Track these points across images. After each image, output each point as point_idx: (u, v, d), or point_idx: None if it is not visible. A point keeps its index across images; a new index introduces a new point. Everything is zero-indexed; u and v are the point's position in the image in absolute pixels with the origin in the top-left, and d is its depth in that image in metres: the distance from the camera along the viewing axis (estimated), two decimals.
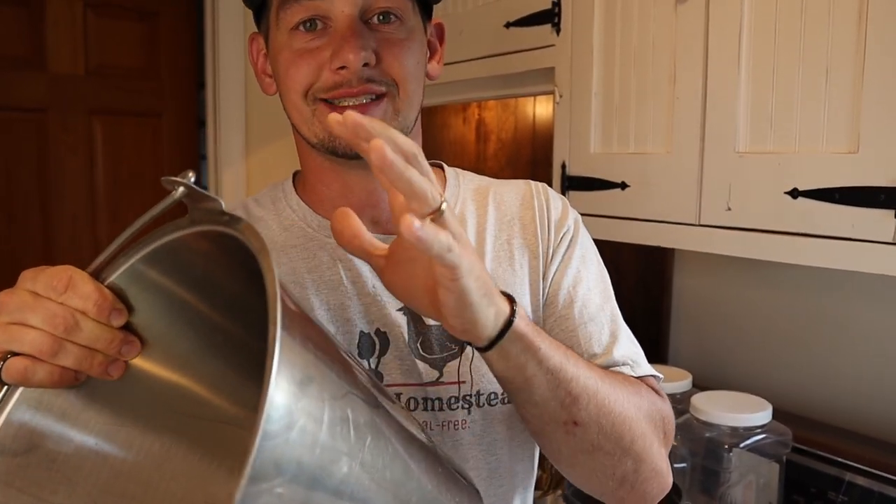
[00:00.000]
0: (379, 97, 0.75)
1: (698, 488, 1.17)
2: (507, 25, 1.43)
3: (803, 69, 0.94)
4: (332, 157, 0.77)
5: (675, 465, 1.19)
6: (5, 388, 0.53)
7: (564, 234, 0.86)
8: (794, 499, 1.18)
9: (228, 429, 0.59)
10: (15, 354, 0.52)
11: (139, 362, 0.56)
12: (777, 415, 1.16)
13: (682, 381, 1.31)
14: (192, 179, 0.49)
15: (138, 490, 0.57)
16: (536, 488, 1.41)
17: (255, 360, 0.48)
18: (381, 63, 0.74)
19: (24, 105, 2.16)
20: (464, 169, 0.92)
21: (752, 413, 1.13)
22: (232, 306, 0.56)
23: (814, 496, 1.16)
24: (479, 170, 2.31)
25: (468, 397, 0.77)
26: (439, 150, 2.24)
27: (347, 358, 0.53)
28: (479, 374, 0.78)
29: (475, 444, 0.78)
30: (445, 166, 0.91)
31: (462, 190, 0.88)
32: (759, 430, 1.13)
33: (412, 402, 0.76)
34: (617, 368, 0.76)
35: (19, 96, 2.14)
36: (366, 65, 0.72)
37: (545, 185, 0.90)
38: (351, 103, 0.74)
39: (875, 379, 1.25)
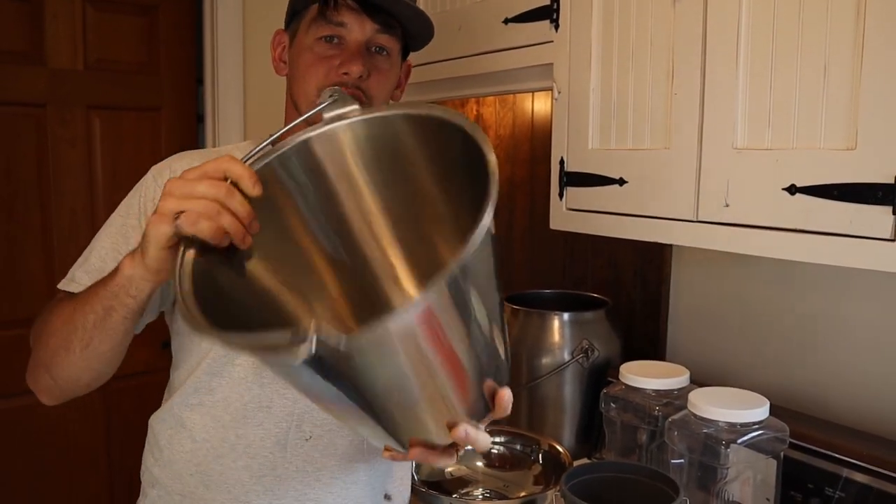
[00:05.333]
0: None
1: (695, 484, 1.17)
2: (506, 21, 1.43)
3: (801, 65, 0.94)
4: None
5: (673, 461, 1.19)
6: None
7: None
8: (791, 495, 1.18)
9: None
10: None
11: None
12: (774, 411, 1.16)
13: (679, 378, 1.32)
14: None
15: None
16: (536, 484, 1.42)
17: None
18: (368, 79, 1.03)
19: (23, 100, 2.15)
20: None
21: (749, 409, 1.13)
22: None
23: (811, 492, 1.16)
24: None
25: None
26: None
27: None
28: None
29: None
30: None
31: None
32: (756, 427, 1.13)
33: None
34: None
35: (18, 91, 2.14)
36: (359, 76, 1.01)
37: None
38: None
39: (873, 375, 1.25)
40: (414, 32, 1.10)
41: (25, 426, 2.18)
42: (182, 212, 0.72)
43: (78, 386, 0.96)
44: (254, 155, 0.77)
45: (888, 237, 0.86)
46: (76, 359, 0.89)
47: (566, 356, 1.53)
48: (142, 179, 1.08)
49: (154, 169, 1.09)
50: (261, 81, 2.34)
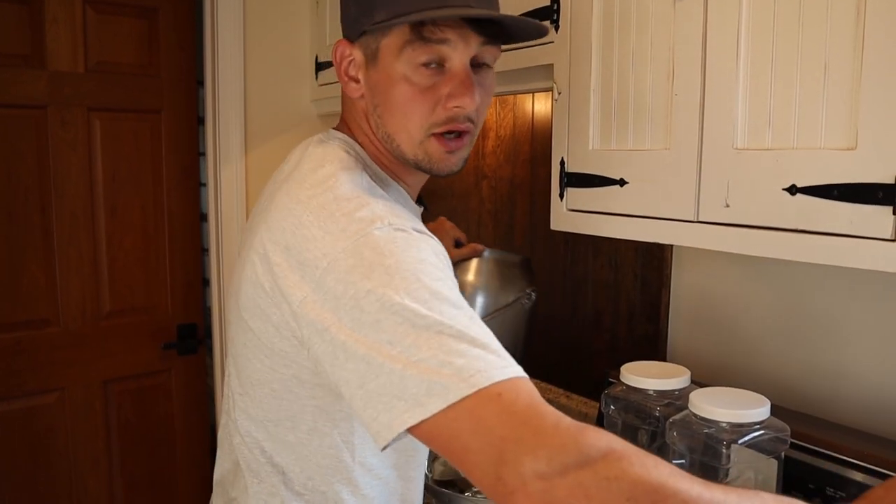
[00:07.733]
0: (464, 134, 0.93)
1: None
2: None
3: (801, 65, 0.94)
4: (417, 169, 0.96)
5: (674, 461, 1.19)
6: None
7: None
8: (792, 495, 1.18)
9: None
10: None
11: None
12: (775, 411, 1.16)
13: (680, 378, 1.32)
14: None
15: None
16: None
17: None
18: (479, 105, 0.91)
19: (24, 102, 2.15)
20: (464, 164, 1.06)
21: (750, 409, 1.13)
22: None
23: (812, 492, 1.16)
24: (478, 166, 2.31)
25: None
26: None
27: None
28: None
29: None
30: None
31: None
32: (757, 427, 1.13)
33: None
34: None
35: (19, 93, 2.14)
36: (475, 110, 0.90)
37: None
38: (451, 138, 0.93)
39: (874, 375, 1.25)
40: (520, 37, 0.94)
41: (26, 428, 2.18)
42: None
43: None
44: None
45: (888, 237, 0.86)
46: None
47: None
48: (415, 248, 0.80)
49: (415, 238, 0.82)
50: (261, 84, 2.34)
